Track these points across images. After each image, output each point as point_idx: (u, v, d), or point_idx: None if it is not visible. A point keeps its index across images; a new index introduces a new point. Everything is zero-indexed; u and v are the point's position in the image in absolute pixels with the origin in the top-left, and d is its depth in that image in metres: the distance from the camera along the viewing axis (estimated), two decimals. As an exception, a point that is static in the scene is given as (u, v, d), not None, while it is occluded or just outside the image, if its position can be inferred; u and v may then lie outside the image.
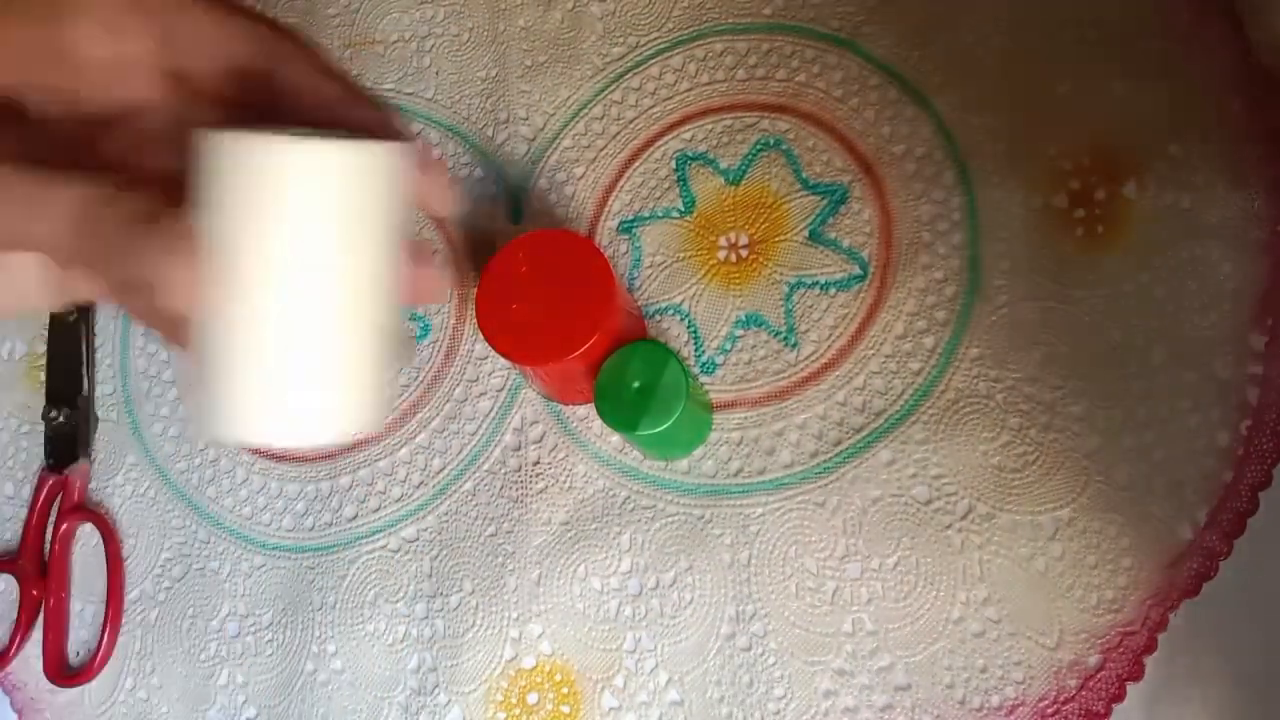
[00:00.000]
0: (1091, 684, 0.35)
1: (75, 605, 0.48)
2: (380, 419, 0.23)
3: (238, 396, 0.22)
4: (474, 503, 0.44)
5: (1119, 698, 0.35)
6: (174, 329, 0.26)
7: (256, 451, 0.48)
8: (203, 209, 0.22)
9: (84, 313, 0.52)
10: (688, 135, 0.46)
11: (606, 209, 0.46)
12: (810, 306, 0.42)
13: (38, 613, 0.48)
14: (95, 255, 0.23)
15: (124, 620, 0.47)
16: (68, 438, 0.50)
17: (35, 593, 0.48)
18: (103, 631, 0.46)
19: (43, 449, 0.50)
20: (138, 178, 0.23)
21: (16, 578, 0.48)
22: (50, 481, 0.49)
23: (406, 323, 0.24)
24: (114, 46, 0.25)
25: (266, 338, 0.21)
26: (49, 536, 0.49)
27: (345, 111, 0.26)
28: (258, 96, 0.26)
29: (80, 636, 0.47)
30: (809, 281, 0.42)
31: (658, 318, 0.44)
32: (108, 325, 0.53)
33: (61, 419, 0.50)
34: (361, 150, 0.22)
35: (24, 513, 0.50)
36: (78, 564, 0.49)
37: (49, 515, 0.49)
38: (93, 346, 0.52)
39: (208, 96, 0.27)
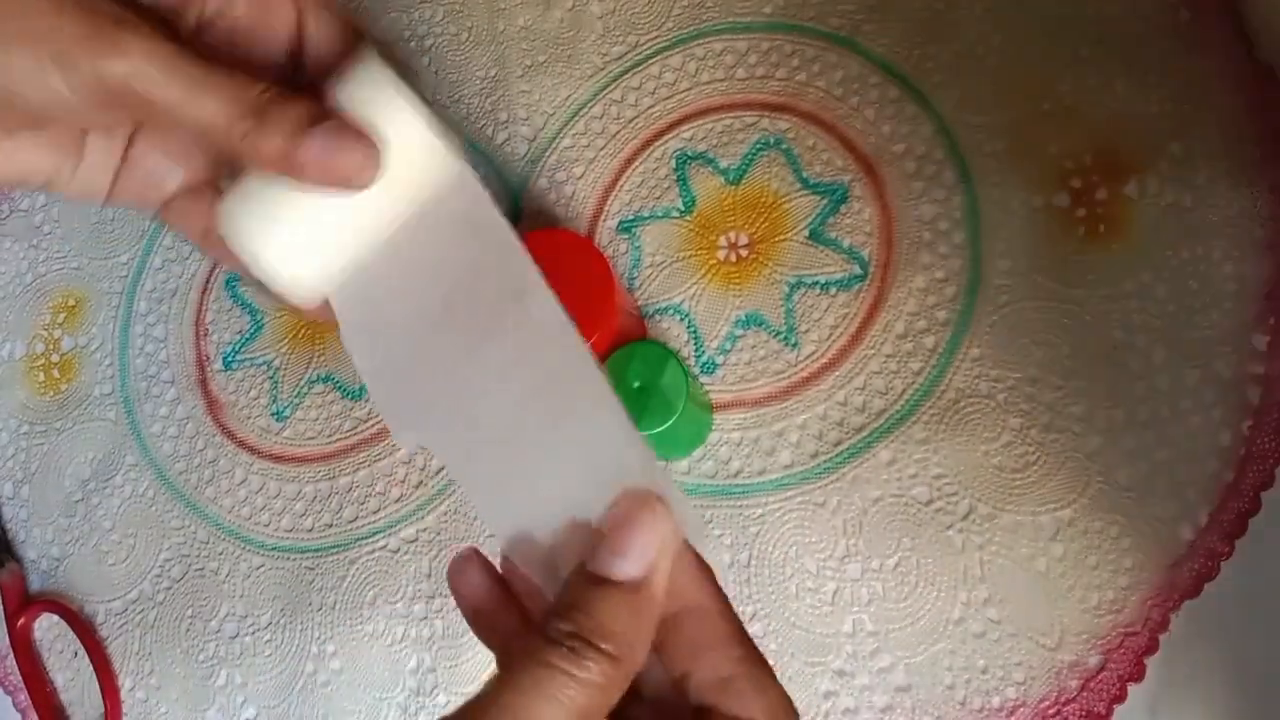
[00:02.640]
0: (1093, 685, 0.35)
1: (65, 697, 0.47)
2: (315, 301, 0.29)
3: (264, 218, 0.28)
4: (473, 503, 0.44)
5: (1120, 698, 0.35)
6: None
7: (256, 451, 0.48)
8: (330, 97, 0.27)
9: None
10: (688, 134, 0.46)
11: (606, 208, 0.46)
12: (810, 306, 0.42)
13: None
14: (250, 143, 0.27)
15: (123, 622, 0.47)
16: None
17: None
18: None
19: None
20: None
21: None
22: None
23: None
24: (261, 20, 0.30)
25: (303, 199, 0.27)
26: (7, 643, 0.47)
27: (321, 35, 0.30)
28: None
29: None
30: (809, 281, 0.42)
31: (657, 317, 0.43)
32: (107, 325, 0.53)
33: None
34: (440, 151, 0.28)
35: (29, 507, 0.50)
36: (49, 656, 0.48)
37: None
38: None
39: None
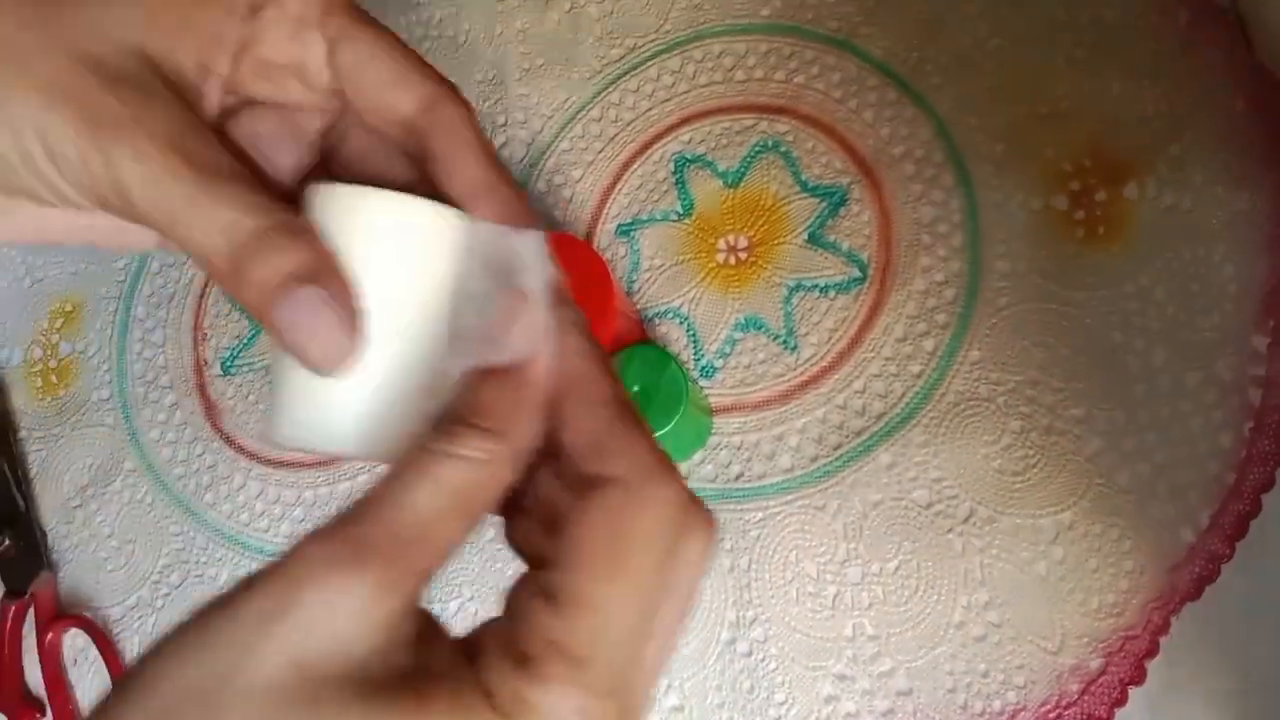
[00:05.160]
0: (1093, 688, 0.35)
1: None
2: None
3: (300, 406, 0.25)
4: (472, 508, 0.43)
5: (1121, 701, 0.35)
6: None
7: (254, 456, 0.47)
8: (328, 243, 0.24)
9: (3, 439, 0.51)
10: (686, 137, 0.46)
11: (605, 212, 0.46)
12: (810, 309, 0.42)
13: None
14: (233, 283, 0.24)
15: (121, 628, 0.47)
16: (19, 559, 0.48)
17: None
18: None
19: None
20: (282, 194, 0.25)
21: (5, 712, 0.47)
22: (13, 607, 0.47)
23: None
24: (295, 53, 0.27)
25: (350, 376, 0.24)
26: (37, 656, 0.47)
27: (486, 198, 0.26)
28: (409, 147, 0.27)
29: None
30: (808, 284, 0.42)
31: (657, 321, 0.43)
32: (105, 331, 0.52)
33: (7, 542, 0.48)
34: (437, 216, 0.25)
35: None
36: (75, 676, 0.47)
37: (20, 639, 0.47)
38: (19, 464, 0.51)
39: (364, 125, 0.28)
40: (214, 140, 0.26)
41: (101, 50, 0.25)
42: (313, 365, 0.24)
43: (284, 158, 0.28)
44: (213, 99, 0.27)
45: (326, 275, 0.24)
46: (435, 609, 0.43)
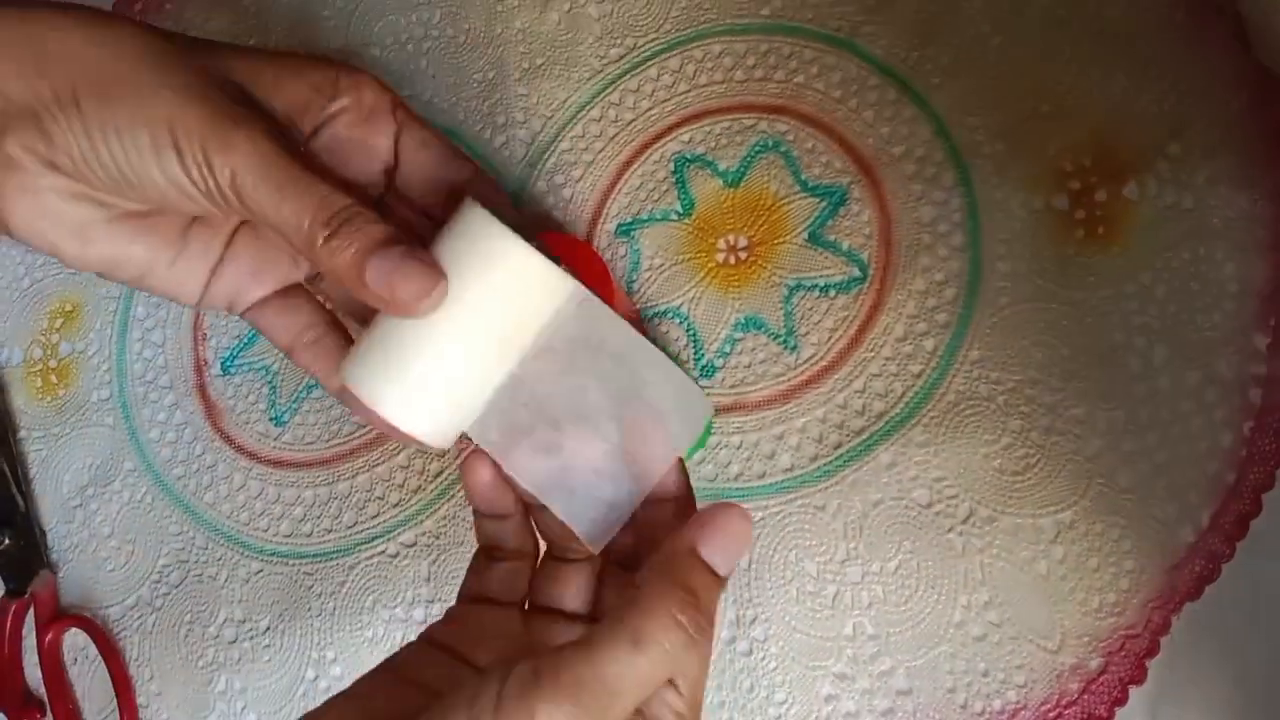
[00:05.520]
0: (1094, 687, 0.35)
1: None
2: (449, 442, 0.30)
3: (389, 372, 0.29)
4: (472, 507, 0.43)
5: (1121, 701, 0.35)
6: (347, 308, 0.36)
7: (254, 456, 0.47)
8: (440, 245, 0.29)
9: (2, 438, 0.51)
10: (686, 137, 0.46)
11: (605, 212, 0.46)
12: (810, 309, 0.42)
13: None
14: (325, 251, 0.29)
15: (121, 628, 0.47)
16: (19, 559, 0.48)
17: None
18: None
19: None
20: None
21: (5, 712, 0.46)
22: (13, 606, 0.47)
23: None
24: (364, 134, 0.33)
25: (432, 350, 0.29)
26: (36, 656, 0.47)
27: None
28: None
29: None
30: (808, 284, 0.42)
31: (657, 321, 0.43)
32: (104, 331, 0.52)
33: (7, 542, 0.48)
34: (553, 275, 0.30)
35: (21, 519, 0.49)
36: (75, 675, 0.47)
37: (20, 638, 0.47)
38: (19, 464, 0.51)
39: (405, 196, 0.34)
40: (308, 156, 0.32)
41: (221, 77, 0.31)
42: (401, 307, 0.28)
43: (360, 173, 0.34)
44: (304, 125, 0.33)
45: (409, 241, 0.29)
46: (436, 608, 0.43)
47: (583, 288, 0.30)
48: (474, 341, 0.29)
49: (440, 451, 0.31)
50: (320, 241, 0.28)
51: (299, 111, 0.32)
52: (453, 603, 0.42)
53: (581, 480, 0.30)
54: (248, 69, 0.31)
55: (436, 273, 0.28)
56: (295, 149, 0.30)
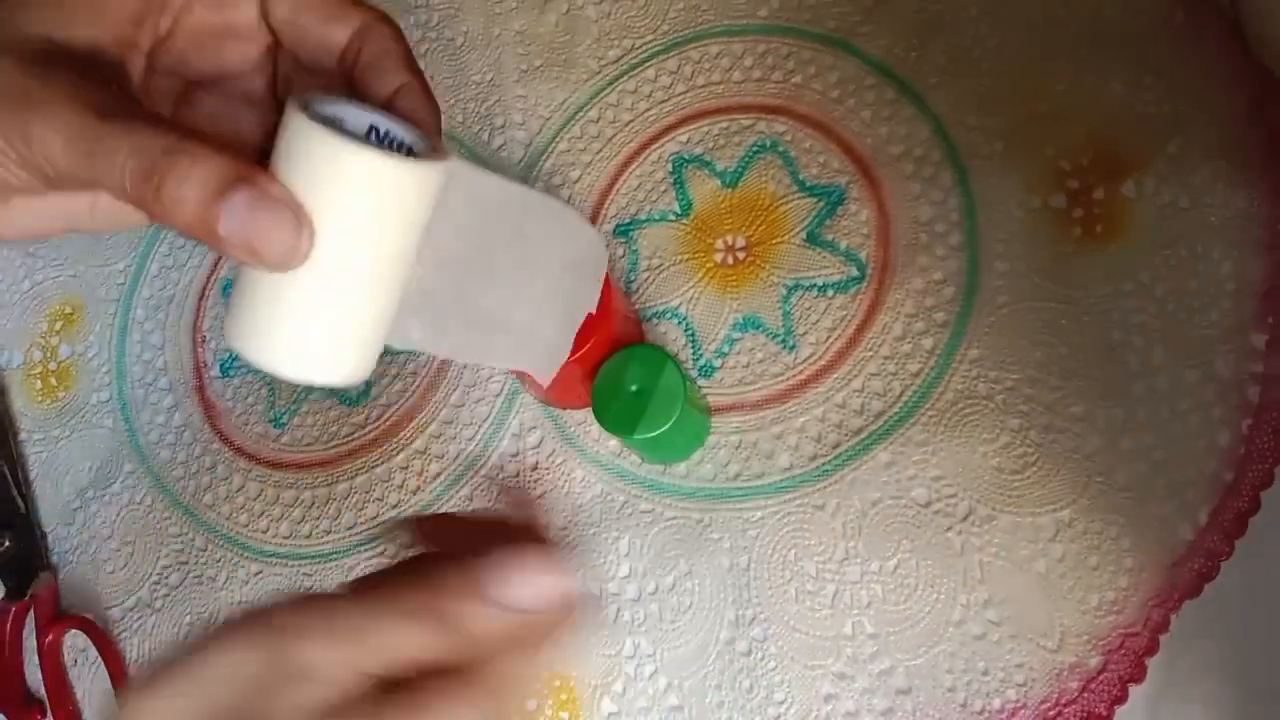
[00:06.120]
0: (1093, 686, 0.35)
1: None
2: (362, 376, 0.27)
3: (264, 323, 0.26)
4: (471, 508, 0.43)
5: (1121, 699, 0.35)
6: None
7: (253, 458, 0.47)
8: (276, 167, 0.25)
9: (3, 441, 0.51)
10: (684, 138, 0.46)
11: (603, 212, 0.46)
12: (808, 309, 0.42)
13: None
14: (163, 207, 0.24)
15: (121, 629, 0.47)
16: (19, 561, 0.48)
17: None
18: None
19: None
20: (206, 134, 0.25)
21: (5, 713, 0.46)
22: (13, 608, 0.47)
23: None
24: (224, 16, 0.28)
25: (301, 286, 0.25)
26: (37, 658, 0.47)
27: (402, 97, 0.28)
28: (345, 71, 0.29)
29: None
30: (806, 284, 0.42)
31: (655, 321, 0.43)
32: (104, 333, 0.52)
33: (7, 544, 0.48)
34: (407, 167, 0.25)
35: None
36: (75, 677, 0.47)
37: (20, 640, 0.47)
38: (19, 466, 0.51)
39: (304, 67, 0.30)
40: (126, 97, 0.27)
41: (13, 42, 0.26)
42: (266, 264, 0.24)
43: (246, 125, 0.29)
44: (136, 68, 0.28)
45: (255, 176, 0.24)
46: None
47: (450, 163, 0.26)
48: (352, 265, 0.25)
49: (354, 385, 0.29)
50: (151, 196, 0.24)
51: (128, 25, 0.28)
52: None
53: (517, 338, 0.30)
54: (52, 15, 0.27)
55: (296, 219, 0.24)
56: (106, 88, 0.26)
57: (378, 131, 0.27)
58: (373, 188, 0.25)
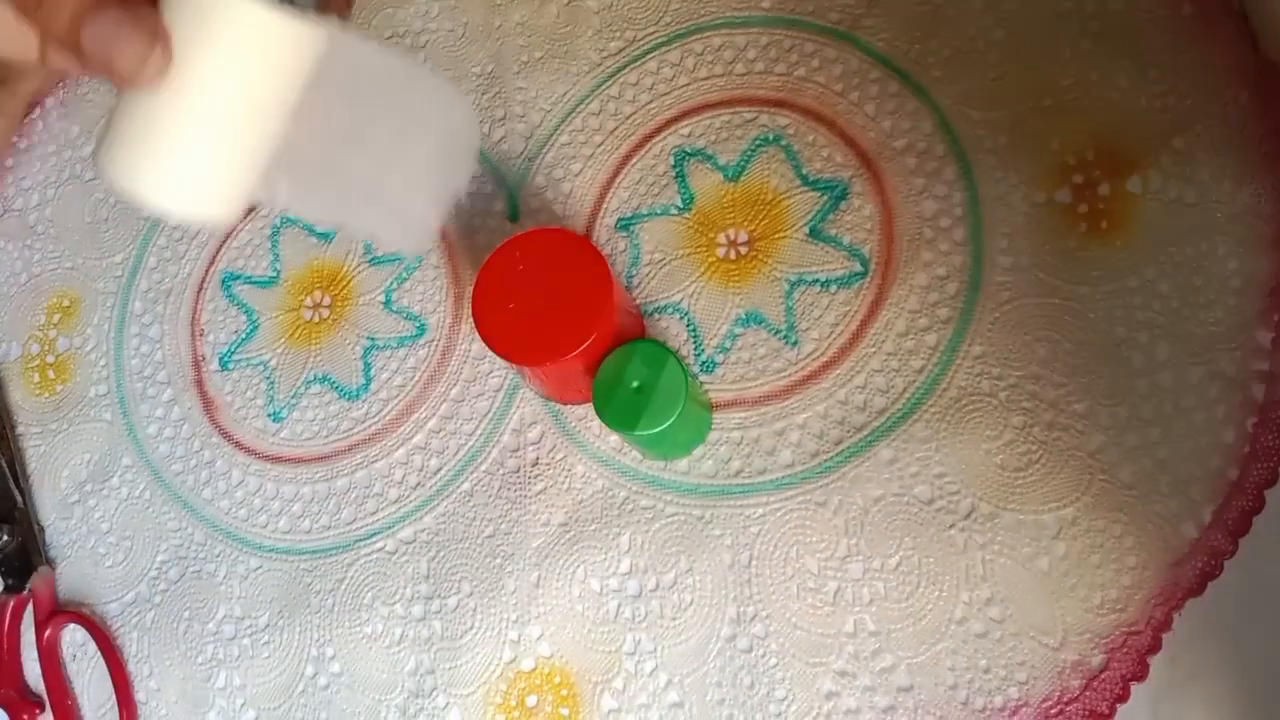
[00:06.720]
0: (1095, 684, 0.35)
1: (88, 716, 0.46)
2: (222, 216, 0.29)
3: (131, 150, 0.27)
4: (472, 504, 0.43)
5: (1123, 698, 0.35)
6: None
7: (252, 452, 0.47)
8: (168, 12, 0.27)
9: (0, 434, 0.51)
10: (686, 131, 0.45)
11: (604, 206, 0.45)
12: (811, 304, 0.41)
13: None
14: (30, 10, 0.26)
15: (120, 624, 0.47)
16: (17, 555, 0.48)
17: (26, 718, 0.46)
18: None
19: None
20: None
21: (4, 708, 0.46)
22: (11, 603, 0.47)
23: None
24: None
25: (168, 113, 0.27)
26: (35, 652, 0.47)
27: None
28: None
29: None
30: (809, 279, 0.42)
31: (656, 316, 0.43)
32: (102, 326, 0.52)
33: (5, 538, 0.48)
34: (294, 27, 0.27)
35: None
36: (73, 672, 0.47)
37: (18, 634, 0.47)
38: (17, 460, 0.50)
39: None
40: None
41: None
42: (125, 80, 0.26)
43: None
44: None
45: (119, 5, 0.26)
46: (435, 604, 0.43)
47: (334, 30, 0.29)
48: (224, 107, 0.27)
49: (221, 222, 0.31)
50: (32, 6, 0.26)
51: None
52: (451, 599, 0.42)
53: (387, 210, 0.30)
54: None
55: (154, 37, 0.25)
56: None
57: None
58: (244, 32, 0.27)
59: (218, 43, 0.27)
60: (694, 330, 0.42)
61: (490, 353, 0.39)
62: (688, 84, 0.46)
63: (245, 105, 0.28)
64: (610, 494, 0.42)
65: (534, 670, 0.41)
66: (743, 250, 0.43)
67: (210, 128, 0.27)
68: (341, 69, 0.29)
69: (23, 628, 0.48)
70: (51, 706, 0.46)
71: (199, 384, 0.50)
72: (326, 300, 0.49)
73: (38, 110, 0.58)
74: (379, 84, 0.30)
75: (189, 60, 0.27)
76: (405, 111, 0.31)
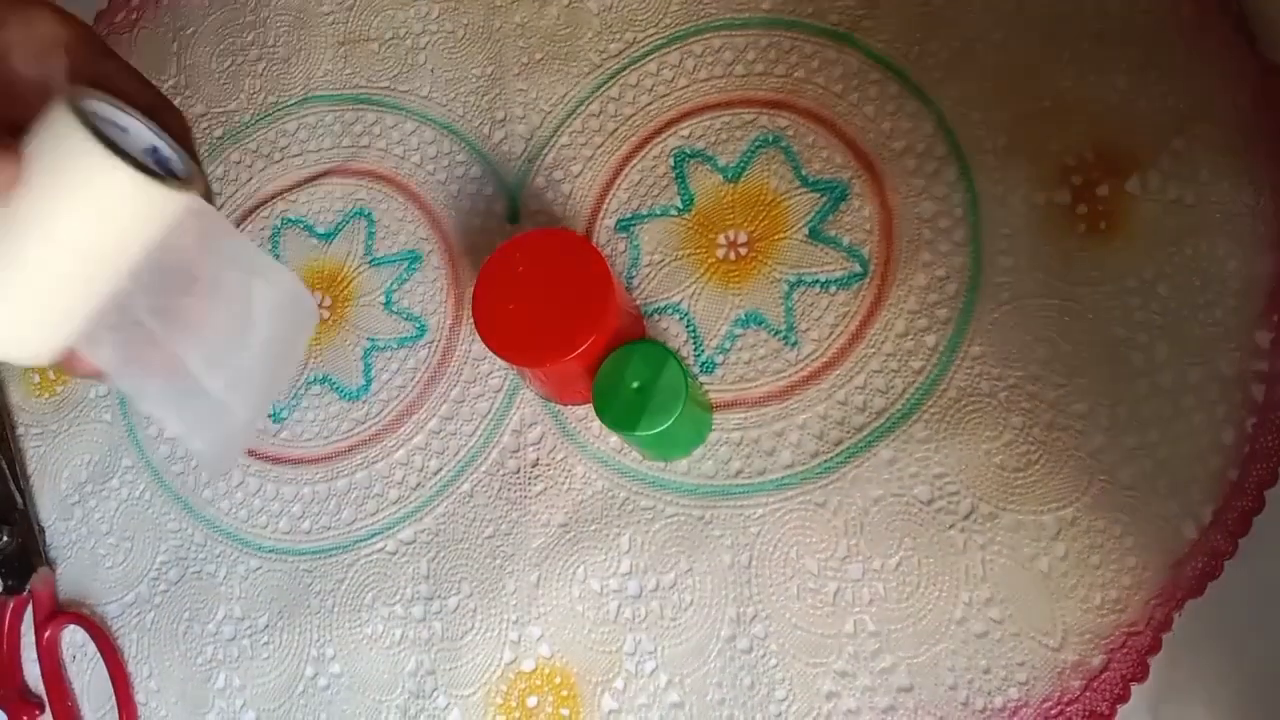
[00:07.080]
0: (1095, 685, 0.35)
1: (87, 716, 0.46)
2: (31, 359, 0.29)
3: None
4: (472, 504, 0.43)
5: (1123, 698, 0.35)
6: None
7: (252, 453, 0.47)
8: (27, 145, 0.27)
9: (0, 435, 0.51)
10: (686, 132, 0.45)
11: (604, 207, 0.46)
12: (810, 305, 0.41)
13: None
14: None
15: (120, 625, 0.47)
16: (17, 555, 0.48)
17: (26, 718, 0.46)
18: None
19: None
20: None
21: (4, 709, 0.46)
22: (11, 603, 0.47)
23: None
24: (41, 72, 0.30)
25: (5, 248, 0.27)
26: (35, 653, 0.47)
27: (157, 114, 0.30)
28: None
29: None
30: (809, 279, 0.42)
31: (656, 317, 0.43)
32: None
33: (5, 539, 0.48)
34: (154, 192, 0.27)
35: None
36: (73, 673, 0.47)
37: (18, 635, 0.47)
38: (17, 461, 0.50)
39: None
40: None
41: None
42: None
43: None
44: None
45: None
46: (435, 605, 0.43)
47: (195, 199, 0.28)
48: (61, 251, 0.27)
49: (35, 365, 0.30)
50: None
51: None
52: (451, 599, 0.42)
53: (206, 407, 0.29)
54: None
55: (6, 150, 0.26)
56: None
57: (155, 152, 0.29)
58: (97, 181, 0.26)
59: (69, 186, 0.26)
60: (694, 331, 0.43)
61: (490, 353, 0.39)
62: (688, 85, 0.46)
63: (80, 254, 0.27)
64: (610, 494, 0.42)
65: (534, 671, 0.41)
66: (742, 251, 0.43)
67: (35, 268, 0.27)
68: (192, 241, 0.28)
69: (22, 628, 0.48)
70: (51, 707, 0.46)
71: (199, 385, 0.50)
72: (327, 301, 0.49)
73: None
74: (227, 265, 0.29)
75: (34, 195, 0.26)
76: (246, 303, 0.30)
